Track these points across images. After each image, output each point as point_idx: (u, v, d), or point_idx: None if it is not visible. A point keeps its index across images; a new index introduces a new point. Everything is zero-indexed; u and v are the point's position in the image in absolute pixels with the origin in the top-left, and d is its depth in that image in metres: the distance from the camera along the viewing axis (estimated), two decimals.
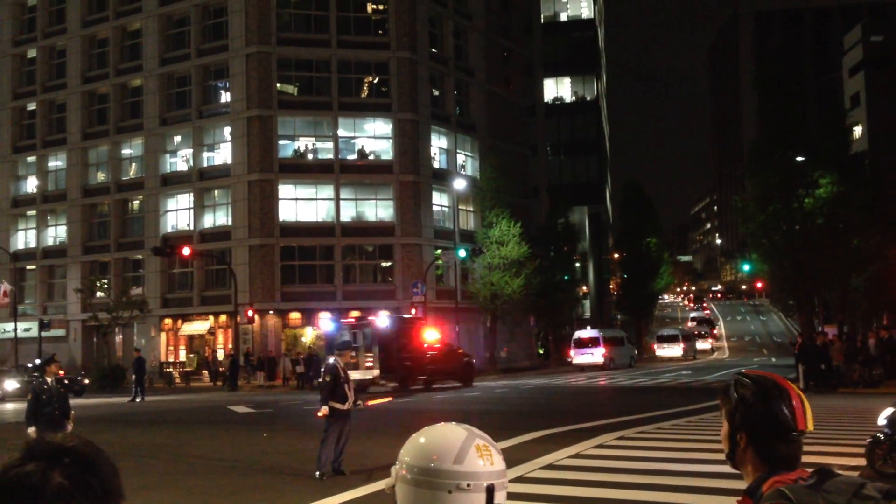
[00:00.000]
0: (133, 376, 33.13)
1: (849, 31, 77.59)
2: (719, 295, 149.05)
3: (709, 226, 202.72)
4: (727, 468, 2.22)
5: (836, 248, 38.58)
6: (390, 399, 22.65)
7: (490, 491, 1.81)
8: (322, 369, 13.00)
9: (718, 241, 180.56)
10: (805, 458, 2.01)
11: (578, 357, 47.60)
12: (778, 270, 43.33)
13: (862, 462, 10.77)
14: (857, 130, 64.05)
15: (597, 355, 46.94)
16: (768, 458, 2.04)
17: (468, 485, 1.80)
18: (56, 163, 52.71)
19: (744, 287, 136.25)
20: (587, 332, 50.75)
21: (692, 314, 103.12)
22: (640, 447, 13.48)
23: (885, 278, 39.34)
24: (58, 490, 1.29)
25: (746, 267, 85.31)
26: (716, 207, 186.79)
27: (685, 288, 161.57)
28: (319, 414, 12.30)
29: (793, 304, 49.44)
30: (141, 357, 34.79)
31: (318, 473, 11.42)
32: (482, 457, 1.83)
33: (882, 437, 10.57)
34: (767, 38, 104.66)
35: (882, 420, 10.76)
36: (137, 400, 31.37)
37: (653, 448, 13.31)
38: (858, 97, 69.51)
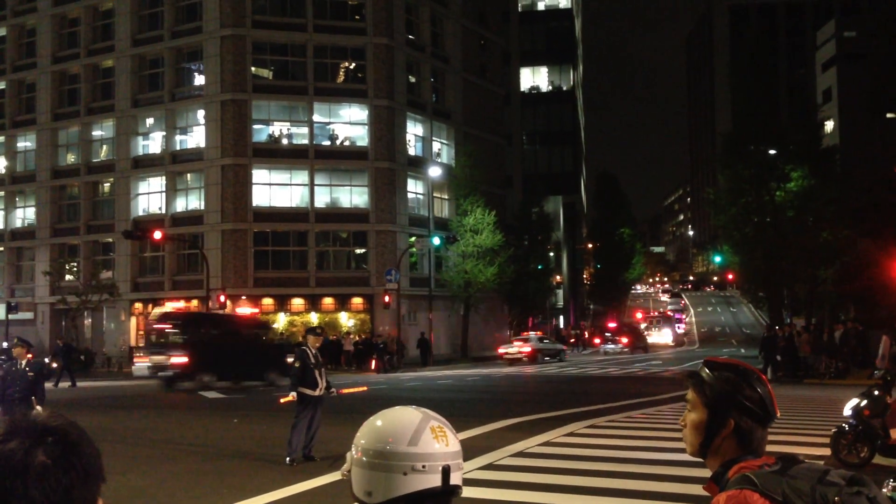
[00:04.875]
0: (61, 363, 31.83)
1: (822, 25, 78.35)
2: (689, 286, 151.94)
3: (682, 217, 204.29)
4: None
5: (805, 240, 39.08)
6: (365, 388, 22.69)
7: (445, 472, 1.82)
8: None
9: (691, 233, 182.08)
10: (772, 448, 2.03)
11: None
12: (749, 262, 43.79)
13: (827, 452, 10.93)
14: (829, 125, 64.79)
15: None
16: (748, 444, 2.02)
17: (423, 466, 1.80)
18: (25, 143, 51.90)
19: (715, 278, 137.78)
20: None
21: (665, 297, 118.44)
22: (609, 435, 13.60)
23: (853, 271, 39.88)
24: (41, 469, 1.28)
25: (718, 258, 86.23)
26: (689, 199, 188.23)
27: (657, 278, 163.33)
28: (282, 400, 12.26)
29: (763, 296, 50.00)
30: (67, 344, 34.61)
31: (288, 459, 11.39)
32: (437, 438, 1.84)
33: (847, 427, 10.73)
34: (742, 32, 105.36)
35: (847, 411, 10.92)
36: (66, 385, 29.82)
37: (622, 436, 13.44)
38: (830, 92, 70.26)
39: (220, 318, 30.45)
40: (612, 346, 58.29)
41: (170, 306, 33.88)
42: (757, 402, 2.02)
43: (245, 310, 34.37)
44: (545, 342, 47.89)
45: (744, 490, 1.82)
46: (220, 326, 28.87)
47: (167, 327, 26.93)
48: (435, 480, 1.81)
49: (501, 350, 46.63)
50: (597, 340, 60.66)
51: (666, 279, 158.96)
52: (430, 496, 1.81)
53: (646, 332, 68.56)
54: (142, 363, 27.05)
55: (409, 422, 1.86)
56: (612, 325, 67.48)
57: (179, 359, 25.01)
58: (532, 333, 50.65)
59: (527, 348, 44.89)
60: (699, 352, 59.26)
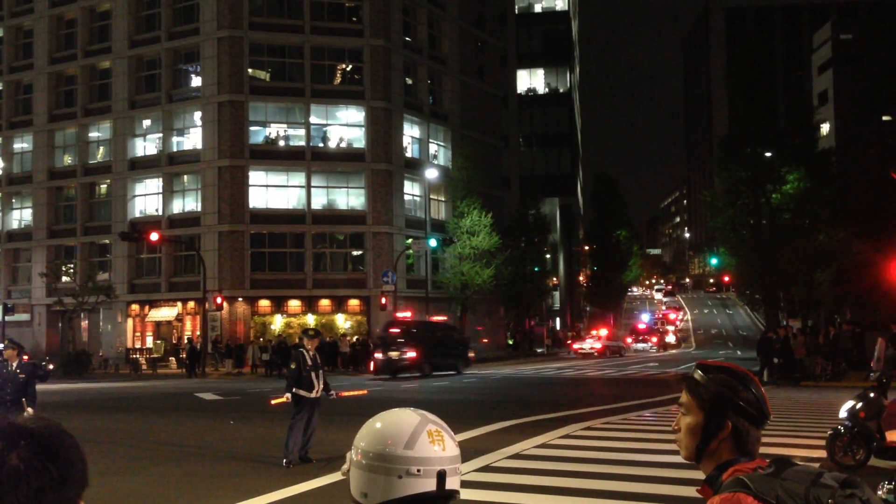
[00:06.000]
0: None
1: (818, 28, 78.47)
2: (714, 288, 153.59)
3: (678, 219, 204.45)
4: None
5: (801, 243, 39.09)
6: (364, 392, 22.69)
7: (441, 476, 1.81)
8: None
9: (687, 235, 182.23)
10: (768, 450, 2.03)
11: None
12: (745, 264, 43.78)
13: (823, 454, 10.95)
14: (825, 127, 64.90)
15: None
16: (743, 446, 2.01)
17: (418, 470, 1.80)
18: (22, 145, 51.84)
19: (711, 280, 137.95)
20: None
21: (662, 297, 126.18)
22: (606, 437, 13.61)
23: (849, 273, 39.91)
24: (11, 472, 1.27)
25: (714, 261, 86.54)
26: (685, 201, 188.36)
27: (654, 280, 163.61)
28: (273, 402, 12.23)
29: (759, 298, 50.04)
30: None
31: (285, 461, 11.39)
32: (434, 442, 1.83)
33: (843, 429, 10.74)
34: (738, 34, 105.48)
35: (843, 413, 10.93)
36: None
37: (619, 438, 13.44)
38: (826, 94, 70.33)
39: (429, 324, 39.62)
40: (644, 344, 66.56)
41: (400, 315, 41.83)
42: (752, 404, 2.02)
43: (439, 317, 43.31)
44: (610, 340, 59.50)
45: (737, 493, 1.83)
46: (430, 329, 37.62)
47: (398, 331, 35.10)
48: (430, 485, 1.80)
49: (576, 346, 57.75)
50: (629, 340, 67.17)
51: (663, 280, 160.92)
52: (425, 500, 1.80)
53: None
54: (379, 356, 34.76)
55: (407, 425, 1.86)
56: (641, 326, 75.32)
57: (410, 353, 33.45)
58: (601, 332, 63.21)
59: (598, 344, 56.06)
60: (695, 353, 59.39)
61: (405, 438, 1.83)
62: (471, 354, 39.54)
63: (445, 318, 43.82)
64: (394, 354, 33.60)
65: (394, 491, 1.80)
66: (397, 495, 1.80)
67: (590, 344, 55.80)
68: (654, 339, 69.70)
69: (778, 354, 29.18)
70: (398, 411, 1.92)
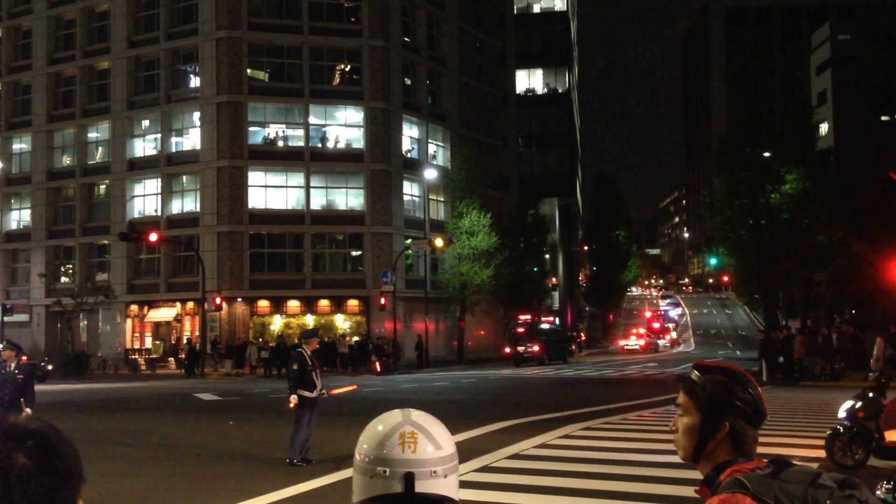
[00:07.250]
0: None
1: (817, 28, 78.52)
2: (684, 287, 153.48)
3: (677, 219, 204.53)
4: None
5: (800, 243, 39.09)
6: (354, 387, 22.67)
7: (409, 479, 1.79)
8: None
9: (686, 235, 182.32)
10: (767, 450, 2.03)
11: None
12: (744, 264, 43.75)
13: (822, 454, 10.95)
14: (824, 127, 64.96)
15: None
16: (741, 446, 2.01)
17: (384, 471, 1.80)
18: (20, 145, 51.82)
19: (710, 280, 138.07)
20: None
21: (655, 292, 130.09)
22: (605, 437, 13.61)
23: (849, 273, 39.92)
24: (22, 472, 1.30)
25: (713, 261, 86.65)
26: (684, 201, 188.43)
27: (653, 280, 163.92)
28: (291, 404, 12.29)
29: (758, 298, 50.04)
30: None
31: (289, 459, 11.47)
32: (403, 444, 1.82)
33: (842, 429, 10.75)
34: (738, 34, 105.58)
35: (842, 413, 10.95)
36: None
37: (617, 438, 13.45)
38: (825, 95, 70.39)
39: (545, 324, 49.15)
40: (661, 341, 71.19)
41: (521, 318, 49.90)
42: (750, 404, 2.02)
43: (548, 318, 52.34)
44: (651, 337, 67.61)
45: (736, 494, 1.82)
46: (546, 329, 46.70)
47: (523, 331, 44.40)
48: (396, 487, 1.79)
49: (621, 343, 68.03)
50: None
51: (662, 280, 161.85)
52: (396, 502, 1.80)
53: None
54: (508, 350, 44.86)
55: (385, 425, 1.87)
56: (656, 325, 79.78)
57: (535, 348, 42.92)
58: (642, 329, 71.33)
59: (641, 341, 65.07)
60: (693, 353, 59.48)
61: (379, 438, 1.84)
62: (572, 347, 50.62)
63: (553, 318, 54.05)
64: (521, 349, 43.13)
65: (366, 490, 1.82)
66: (368, 495, 1.81)
67: (634, 341, 65.17)
68: (669, 338, 74.18)
69: (781, 354, 29.20)
70: (390, 412, 1.94)
